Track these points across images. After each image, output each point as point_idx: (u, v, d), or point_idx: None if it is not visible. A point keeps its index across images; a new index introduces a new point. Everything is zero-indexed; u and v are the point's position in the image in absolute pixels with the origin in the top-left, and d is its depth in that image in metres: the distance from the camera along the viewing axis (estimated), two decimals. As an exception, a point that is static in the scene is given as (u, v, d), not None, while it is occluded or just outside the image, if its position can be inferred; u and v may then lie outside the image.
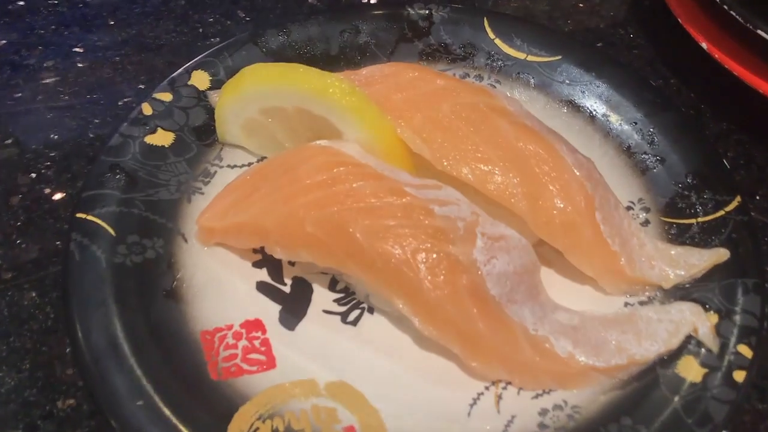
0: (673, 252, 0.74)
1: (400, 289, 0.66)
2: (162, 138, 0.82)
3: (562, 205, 0.71)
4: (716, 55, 0.94)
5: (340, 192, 0.68)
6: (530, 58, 0.93)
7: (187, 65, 0.89)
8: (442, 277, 0.65)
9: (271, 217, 0.70)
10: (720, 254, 0.73)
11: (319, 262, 0.69)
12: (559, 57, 0.93)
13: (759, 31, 0.88)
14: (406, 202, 0.67)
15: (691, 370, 0.66)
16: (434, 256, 0.65)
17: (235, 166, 0.84)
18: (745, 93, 0.92)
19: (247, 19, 1.13)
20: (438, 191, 0.69)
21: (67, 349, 0.72)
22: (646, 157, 0.84)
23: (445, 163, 0.72)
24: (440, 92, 0.76)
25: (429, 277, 0.65)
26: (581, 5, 1.19)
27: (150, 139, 0.82)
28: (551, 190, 0.71)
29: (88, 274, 0.70)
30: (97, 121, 0.96)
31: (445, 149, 0.72)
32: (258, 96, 0.76)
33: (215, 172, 0.83)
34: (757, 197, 0.90)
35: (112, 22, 1.11)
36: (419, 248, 0.65)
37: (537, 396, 0.67)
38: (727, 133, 0.97)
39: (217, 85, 0.88)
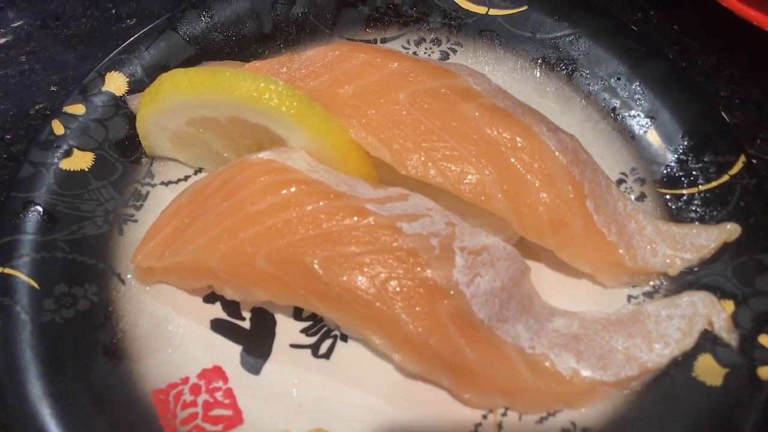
0: (677, 232, 0.66)
1: (374, 325, 0.58)
2: (80, 161, 0.71)
3: (548, 200, 0.62)
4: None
5: (292, 219, 0.59)
6: (493, 11, 0.81)
7: (98, 66, 0.76)
8: (419, 307, 0.57)
9: (215, 255, 0.60)
10: (730, 230, 0.65)
11: (278, 300, 0.61)
12: (525, 7, 0.81)
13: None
14: (369, 223, 0.58)
15: (709, 371, 0.59)
16: (408, 283, 0.57)
17: (170, 182, 0.73)
18: (734, 22, 0.81)
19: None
20: (405, 203, 0.60)
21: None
22: (635, 117, 0.74)
23: (410, 167, 0.62)
24: (394, 78, 0.65)
25: (405, 309, 0.57)
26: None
27: (66, 164, 0.71)
28: (534, 184, 0.62)
29: (12, 342, 0.61)
30: (8, 136, 0.83)
31: (408, 150, 0.62)
32: (182, 107, 0.64)
33: (147, 192, 0.72)
34: (758, 141, 0.80)
35: (12, 15, 0.96)
36: (390, 277, 0.57)
37: (541, 420, 0.60)
38: (718, 69, 0.87)
39: (136, 87, 0.76)
